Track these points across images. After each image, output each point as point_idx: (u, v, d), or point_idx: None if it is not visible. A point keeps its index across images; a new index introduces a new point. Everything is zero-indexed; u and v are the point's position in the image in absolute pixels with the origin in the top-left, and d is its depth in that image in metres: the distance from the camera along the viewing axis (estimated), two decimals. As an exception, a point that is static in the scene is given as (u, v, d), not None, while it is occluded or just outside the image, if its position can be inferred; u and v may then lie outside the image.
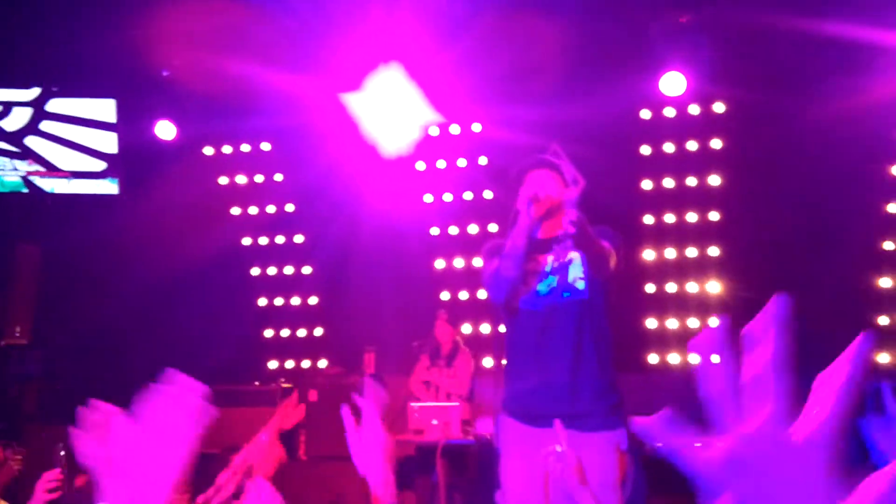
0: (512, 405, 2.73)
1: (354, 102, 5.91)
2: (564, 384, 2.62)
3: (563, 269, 2.71)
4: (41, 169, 6.70)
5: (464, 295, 6.60)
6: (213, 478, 3.50)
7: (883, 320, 5.67)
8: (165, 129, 6.61)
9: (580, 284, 2.70)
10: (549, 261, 2.74)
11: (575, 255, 2.68)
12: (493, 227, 6.63)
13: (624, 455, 2.63)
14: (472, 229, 6.69)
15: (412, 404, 5.06)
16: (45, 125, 6.69)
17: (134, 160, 6.72)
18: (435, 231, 6.74)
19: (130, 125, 6.68)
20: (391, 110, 5.98)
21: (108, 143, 6.70)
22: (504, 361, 2.91)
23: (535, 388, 2.66)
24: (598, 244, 2.59)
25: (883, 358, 5.61)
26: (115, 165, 6.71)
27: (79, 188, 6.74)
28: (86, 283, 6.58)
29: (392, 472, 1.50)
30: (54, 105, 6.67)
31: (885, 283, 5.72)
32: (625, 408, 2.69)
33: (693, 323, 6.01)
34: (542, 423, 2.51)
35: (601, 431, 2.59)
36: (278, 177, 7.11)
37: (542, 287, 2.72)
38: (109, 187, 6.74)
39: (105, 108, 6.68)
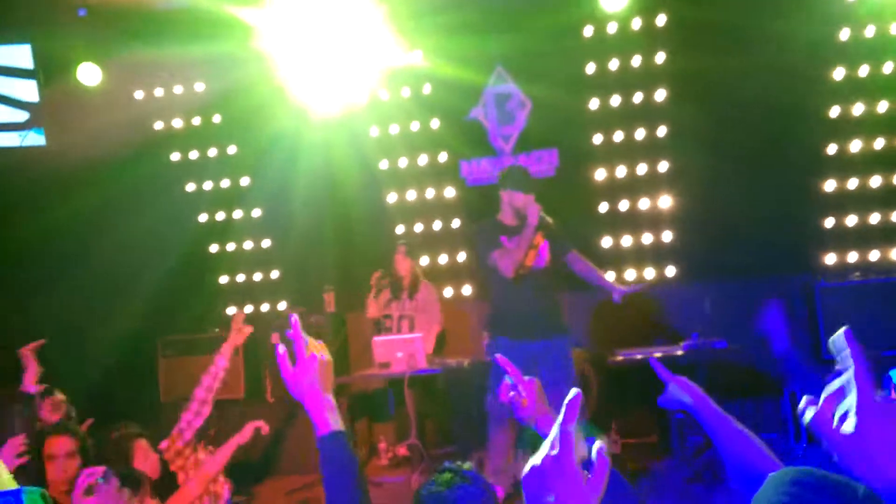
0: (501, 328, 4.48)
1: (290, 31, 5.63)
2: (539, 314, 4.43)
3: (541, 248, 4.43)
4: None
5: (418, 227, 6.53)
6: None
7: (829, 222, 5.82)
8: (89, 73, 6.23)
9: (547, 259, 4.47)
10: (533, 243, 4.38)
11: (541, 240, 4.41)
12: (442, 157, 6.53)
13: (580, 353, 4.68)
14: (422, 160, 6.57)
15: (376, 339, 5.03)
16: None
17: (58, 108, 6.33)
18: (384, 164, 6.60)
19: (50, 71, 6.27)
20: (329, 39, 5.71)
21: (29, 91, 6.30)
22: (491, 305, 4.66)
23: (517, 318, 4.40)
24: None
25: (829, 259, 5.79)
26: (38, 115, 6.33)
27: (4, 141, 6.36)
28: (23, 243, 6.25)
29: (330, 396, 1.49)
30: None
31: (829, 186, 5.85)
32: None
33: (647, 238, 6.09)
34: (523, 338, 4.35)
35: (561, 337, 4.48)
36: (216, 118, 6.82)
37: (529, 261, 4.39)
38: (36, 139, 6.37)
39: (21, 55, 6.24)
